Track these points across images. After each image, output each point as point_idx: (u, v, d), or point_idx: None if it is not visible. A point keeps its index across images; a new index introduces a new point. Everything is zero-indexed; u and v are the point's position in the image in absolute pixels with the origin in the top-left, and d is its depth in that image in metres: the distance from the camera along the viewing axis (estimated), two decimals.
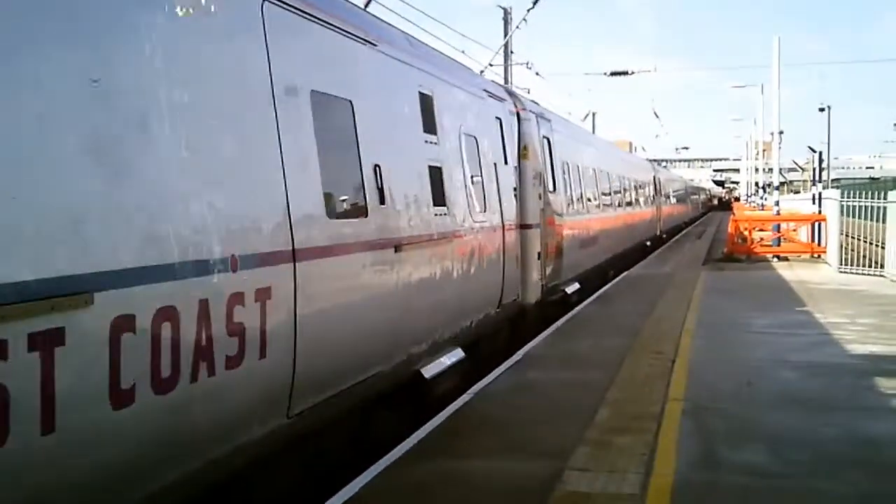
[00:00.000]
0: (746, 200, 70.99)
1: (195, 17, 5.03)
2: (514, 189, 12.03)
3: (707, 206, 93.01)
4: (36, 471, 3.76)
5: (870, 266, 20.30)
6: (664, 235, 36.30)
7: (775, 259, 24.42)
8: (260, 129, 5.55)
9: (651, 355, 10.28)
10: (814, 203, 27.29)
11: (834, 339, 11.27)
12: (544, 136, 14.15)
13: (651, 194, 33.21)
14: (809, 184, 38.91)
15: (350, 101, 6.90)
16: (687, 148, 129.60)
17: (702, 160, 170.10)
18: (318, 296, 6.02)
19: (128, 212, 4.31)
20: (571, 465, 6.22)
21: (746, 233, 26.54)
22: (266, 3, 5.74)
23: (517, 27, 25.73)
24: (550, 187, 14.12)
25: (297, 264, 5.67)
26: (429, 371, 8.40)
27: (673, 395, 8.26)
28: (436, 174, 8.72)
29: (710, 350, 10.67)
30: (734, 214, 37.63)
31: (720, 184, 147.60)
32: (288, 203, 5.66)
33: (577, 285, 15.81)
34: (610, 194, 22.08)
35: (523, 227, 12.31)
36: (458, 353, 9.23)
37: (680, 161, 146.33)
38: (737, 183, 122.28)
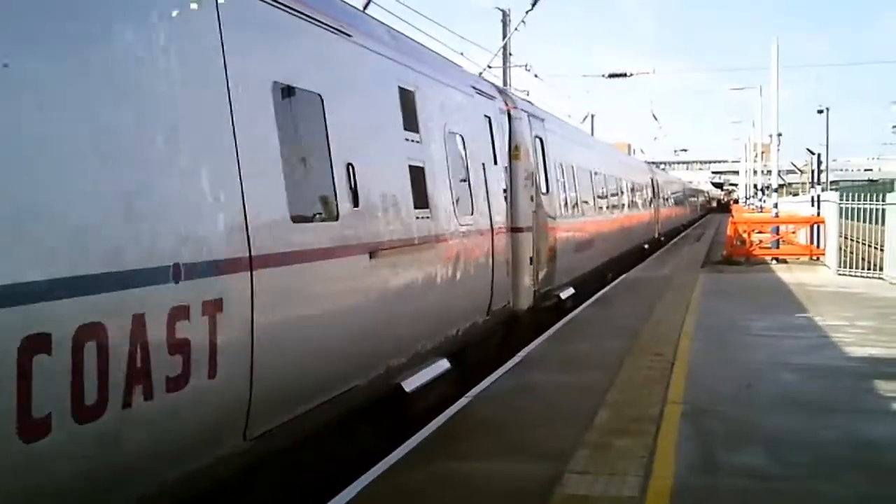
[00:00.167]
0: (745, 203, 71.05)
1: None
2: (504, 191, 11.61)
3: (706, 209, 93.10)
4: None
5: (868, 268, 20.30)
6: (662, 238, 36.24)
7: (774, 261, 24.44)
8: (210, 123, 5.04)
9: (650, 358, 10.27)
10: (812, 205, 27.32)
11: (833, 342, 11.27)
12: (536, 136, 13.73)
13: (649, 197, 33.01)
14: (808, 186, 38.92)
15: (320, 95, 6.41)
16: (686, 150, 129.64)
17: (700, 162, 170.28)
18: (281, 307, 5.54)
19: (36, 215, 3.78)
20: (571, 468, 6.21)
21: (745, 235, 26.57)
22: None
23: (516, 29, 25.74)
24: (543, 189, 13.72)
25: (254, 273, 5.19)
26: (410, 384, 7.95)
27: (672, 398, 8.25)
28: (417, 175, 8.27)
29: (709, 352, 10.67)
30: (733, 217, 37.67)
31: (719, 186, 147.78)
32: (244, 205, 5.18)
33: (571, 290, 15.47)
34: (606, 196, 21.65)
35: (514, 230, 11.94)
36: (442, 364, 8.81)
37: (678, 163, 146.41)
38: (735, 185, 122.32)
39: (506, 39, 27.46)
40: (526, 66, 30.92)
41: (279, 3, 5.95)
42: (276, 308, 5.45)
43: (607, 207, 21.58)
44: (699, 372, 9.47)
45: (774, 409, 7.91)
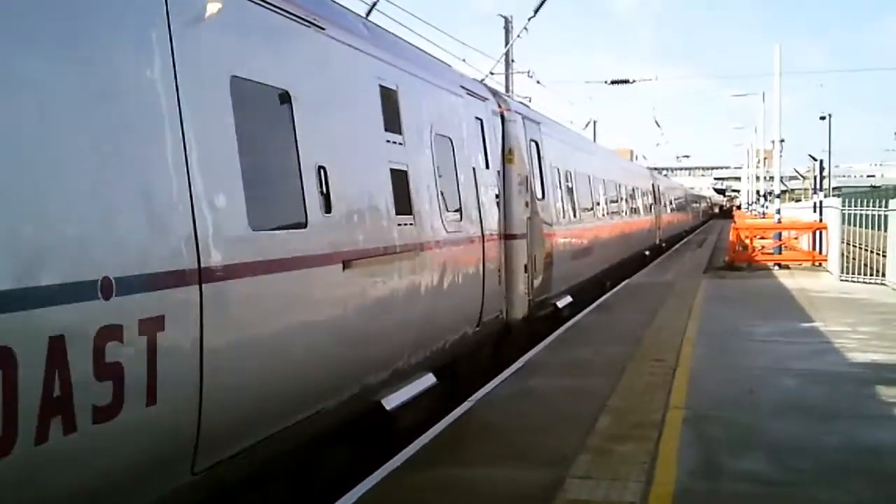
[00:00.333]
0: (748, 209, 71.01)
1: None
2: (497, 196, 11.17)
3: (708, 215, 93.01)
4: None
5: (871, 274, 20.29)
6: (663, 244, 36.10)
7: (776, 267, 24.41)
8: (150, 119, 4.53)
9: (652, 363, 10.26)
10: (815, 211, 27.30)
11: (835, 348, 11.25)
12: (532, 140, 13.29)
13: (650, 202, 32.80)
14: (810, 192, 38.92)
15: (287, 92, 5.92)
16: (688, 156, 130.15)
17: (703, 168, 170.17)
18: (237, 324, 5.08)
19: None
20: (573, 474, 6.20)
21: (747, 241, 26.55)
22: None
23: (518, 36, 25.77)
24: (539, 194, 13.30)
25: (204, 287, 4.69)
26: (391, 402, 7.50)
27: (674, 403, 8.24)
28: (400, 179, 7.77)
29: (712, 358, 10.66)
30: (735, 223, 37.64)
31: (721, 192, 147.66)
32: (193, 211, 4.68)
33: (569, 298, 15.10)
34: (605, 202, 21.19)
35: (508, 237, 11.51)
36: (428, 379, 8.39)
37: (681, 169, 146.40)
38: (738, 191, 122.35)
39: (508, 46, 27.50)
40: (528, 72, 30.97)
41: None
42: (231, 325, 5.01)
43: (607, 213, 21.16)
44: (701, 377, 9.46)
45: (776, 414, 7.90)
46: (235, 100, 5.25)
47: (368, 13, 14.75)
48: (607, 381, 9.26)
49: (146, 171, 4.47)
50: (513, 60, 28.79)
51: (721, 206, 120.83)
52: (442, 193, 8.92)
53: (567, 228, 15.52)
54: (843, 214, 21.93)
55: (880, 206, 20.13)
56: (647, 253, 30.03)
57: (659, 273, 24.41)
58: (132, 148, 4.37)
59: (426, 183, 8.52)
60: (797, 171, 77.95)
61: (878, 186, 72.88)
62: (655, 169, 53.18)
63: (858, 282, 20.01)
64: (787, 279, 21.22)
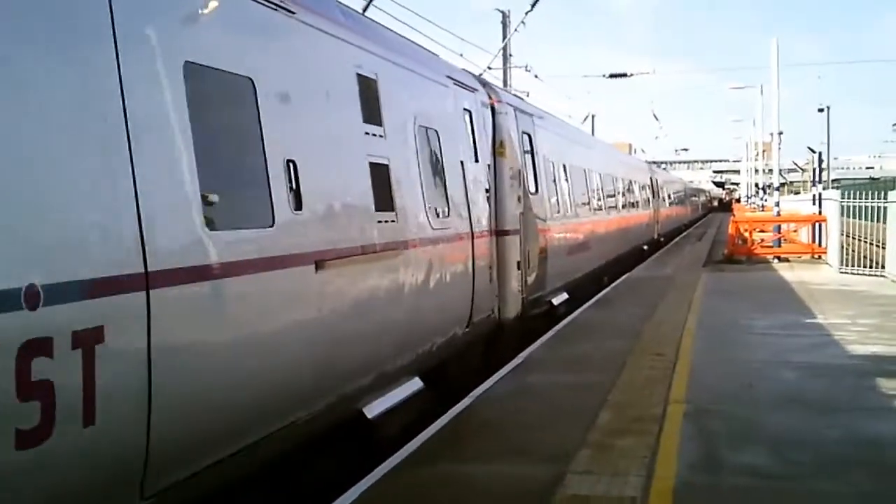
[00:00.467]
0: (747, 202, 71.03)
1: None
2: (487, 191, 10.75)
3: (707, 208, 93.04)
4: None
5: (870, 266, 20.29)
6: (662, 239, 35.98)
7: (776, 260, 24.42)
8: (84, 107, 4.12)
9: (652, 357, 10.26)
10: (814, 204, 27.30)
11: (835, 340, 11.26)
12: (524, 132, 12.88)
13: (648, 196, 32.66)
14: (809, 184, 38.90)
15: (251, 80, 5.48)
16: (687, 149, 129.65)
17: (701, 162, 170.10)
18: (191, 333, 4.69)
19: None
20: (573, 469, 6.20)
21: (747, 234, 26.55)
22: None
23: (515, 30, 25.78)
24: (532, 188, 12.91)
25: (152, 293, 4.29)
26: (374, 409, 7.14)
27: (674, 398, 8.25)
28: (380, 173, 7.37)
29: (712, 352, 10.66)
30: (734, 216, 37.64)
31: (720, 185, 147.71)
32: (139, 210, 4.27)
33: (565, 295, 14.78)
34: (602, 196, 20.84)
35: (500, 233, 11.13)
36: (414, 384, 8.04)
37: (680, 163, 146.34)
38: (737, 184, 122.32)
39: (506, 40, 27.49)
40: (526, 66, 30.97)
41: None
42: (185, 335, 4.61)
43: (603, 208, 20.84)
44: (701, 371, 9.46)
45: (777, 407, 7.90)
46: (190, 88, 4.82)
47: (365, 9, 14.73)
48: (607, 375, 9.26)
49: (80, 165, 4.04)
50: (510, 55, 28.82)
51: (720, 200, 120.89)
52: (427, 189, 8.51)
53: (562, 224, 15.16)
54: (842, 206, 21.93)
55: (879, 198, 20.13)
56: (645, 247, 29.87)
57: (658, 267, 24.41)
58: (63, 139, 3.96)
59: (409, 177, 8.13)
60: (796, 164, 77.88)
61: (877, 178, 72.84)
62: (654, 162, 53.16)
63: (858, 274, 20.02)
64: (787, 272, 21.22)
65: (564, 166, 16.04)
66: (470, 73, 12.08)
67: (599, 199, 20.39)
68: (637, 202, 29.09)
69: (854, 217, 22.15)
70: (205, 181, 4.84)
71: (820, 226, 24.60)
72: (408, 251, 7.79)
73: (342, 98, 6.98)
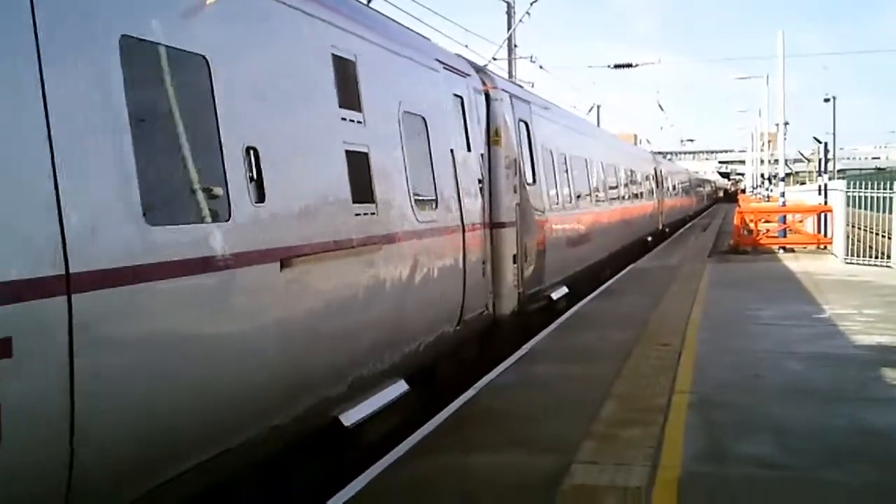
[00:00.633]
0: (752, 192, 70.89)
1: None
2: (480, 181, 10.23)
3: (712, 199, 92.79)
4: None
5: (876, 257, 20.24)
6: (666, 230, 35.79)
7: (781, 250, 24.39)
8: None
9: (657, 348, 10.26)
10: (819, 194, 27.23)
11: (840, 331, 11.24)
12: (521, 120, 12.35)
13: (651, 187, 32.26)
14: (815, 175, 38.80)
15: (205, 58, 4.98)
16: (692, 140, 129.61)
17: (707, 152, 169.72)
18: (126, 343, 4.19)
19: None
20: (578, 459, 6.21)
21: (752, 224, 26.52)
22: None
23: (520, 21, 25.69)
24: (529, 179, 12.37)
25: (74, 298, 3.81)
26: (351, 416, 6.61)
27: (679, 388, 8.25)
28: (359, 162, 6.86)
29: (717, 342, 10.65)
30: (740, 206, 37.57)
31: (726, 175, 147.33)
32: (59, 204, 3.80)
33: (565, 289, 14.28)
34: (604, 187, 20.21)
35: (495, 225, 10.68)
36: (398, 388, 7.53)
37: (685, 153, 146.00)
38: (742, 175, 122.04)
39: (511, 31, 27.41)
40: (531, 57, 30.83)
41: None
42: (118, 345, 4.13)
43: (605, 199, 20.28)
44: (706, 362, 9.46)
45: (782, 398, 7.90)
46: (127, 64, 4.32)
47: (369, 0, 14.68)
48: (612, 366, 9.26)
49: None
50: (516, 46, 28.70)
51: (726, 190, 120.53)
52: (413, 179, 7.98)
53: (561, 215, 14.67)
54: (848, 197, 21.87)
55: (885, 189, 20.07)
56: (649, 239, 29.56)
57: (664, 258, 24.38)
58: None
59: (392, 167, 7.62)
60: (801, 154, 77.75)
61: (883, 168, 72.66)
62: (659, 153, 53.03)
63: (863, 264, 19.97)
64: (792, 262, 21.18)
65: (564, 156, 15.59)
66: (463, 57, 11.47)
67: (601, 190, 19.87)
68: (640, 193, 28.60)
69: (860, 207, 22.10)
70: (145, 170, 4.37)
71: (825, 216, 24.54)
72: (390, 246, 7.28)
73: (314, 80, 6.43)
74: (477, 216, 9.96)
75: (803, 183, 61.92)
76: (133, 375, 4.24)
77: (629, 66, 36.90)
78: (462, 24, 39.98)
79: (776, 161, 35.71)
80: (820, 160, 30.41)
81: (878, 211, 20.92)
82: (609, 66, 37.25)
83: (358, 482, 5.89)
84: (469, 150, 9.98)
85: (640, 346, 10.46)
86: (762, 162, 63.33)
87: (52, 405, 3.78)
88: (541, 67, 31.76)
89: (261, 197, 5.37)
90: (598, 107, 51.67)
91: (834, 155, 52.72)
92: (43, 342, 3.73)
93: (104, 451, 4.05)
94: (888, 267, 19.11)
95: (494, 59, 24.39)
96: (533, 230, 12.16)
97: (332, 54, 6.67)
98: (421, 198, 8.19)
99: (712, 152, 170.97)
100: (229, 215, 5.05)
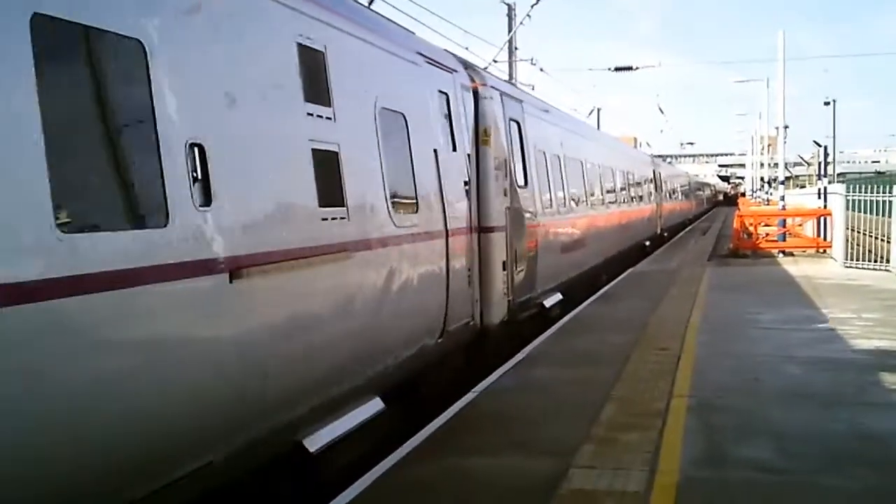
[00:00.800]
0: (752, 195, 70.93)
1: None
2: (466, 183, 9.69)
3: (712, 202, 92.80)
4: None
5: (875, 261, 20.25)
6: (665, 234, 35.53)
7: (781, 254, 24.40)
8: None
9: (656, 352, 10.26)
10: (819, 197, 27.24)
11: (839, 335, 11.24)
12: (512, 119, 11.80)
13: (650, 190, 31.96)
14: (815, 178, 38.83)
15: (140, 42, 4.44)
16: (692, 143, 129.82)
17: (707, 155, 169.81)
18: (28, 372, 3.67)
19: None
20: (577, 463, 6.22)
21: (752, 228, 26.54)
22: None
23: (521, 23, 25.74)
24: (521, 181, 11.87)
25: None
26: (316, 441, 6.05)
27: (678, 392, 8.25)
28: (327, 162, 6.31)
29: (716, 346, 10.65)
30: (739, 210, 37.57)
31: (725, 179, 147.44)
32: None
33: (558, 296, 13.81)
34: (600, 190, 19.70)
35: (483, 230, 10.14)
36: (372, 406, 6.99)
37: (685, 156, 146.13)
38: (742, 178, 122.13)
39: (511, 33, 27.45)
40: (532, 60, 30.86)
41: None
42: (19, 376, 3.62)
43: (601, 202, 19.78)
44: (705, 365, 9.46)
45: (781, 402, 7.90)
46: (40, 48, 3.81)
47: (371, 2, 14.70)
48: (611, 369, 9.26)
49: None
50: (516, 48, 28.75)
51: (725, 194, 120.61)
52: (390, 181, 7.46)
53: (555, 219, 14.13)
54: (848, 200, 21.88)
55: (885, 192, 20.08)
56: (647, 243, 29.10)
57: (663, 261, 24.39)
58: None
59: (366, 168, 7.08)
60: (801, 158, 77.84)
61: (883, 172, 72.77)
62: (659, 156, 53.04)
63: (863, 268, 19.97)
64: (792, 266, 21.19)
65: (559, 158, 15.06)
66: (450, 52, 10.85)
67: (597, 193, 19.39)
68: (639, 196, 28.24)
69: (859, 211, 22.11)
70: (58, 169, 3.82)
71: (825, 220, 24.56)
72: (362, 253, 6.74)
73: (275, 71, 5.87)
74: (462, 220, 9.47)
75: (803, 186, 61.91)
76: (45, 408, 3.73)
77: (629, 68, 36.91)
78: (462, 27, 40.04)
79: (776, 164, 35.74)
80: (820, 164, 30.42)
81: (877, 215, 20.93)
82: (609, 69, 37.28)
83: (358, 485, 5.90)
84: (454, 150, 9.47)
85: (639, 349, 10.46)
86: (762, 165, 63.40)
87: None
88: (541, 70, 31.82)
89: (207, 200, 4.84)
90: (599, 109, 51.81)
91: (834, 158, 52.79)
92: None
93: (12, 487, 3.62)
94: (887, 271, 19.11)
95: (495, 61, 24.46)
96: (524, 235, 11.70)
97: (298, 43, 6.12)
98: (399, 201, 7.70)
99: (712, 155, 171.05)
100: (167, 220, 4.51)
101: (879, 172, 75.38)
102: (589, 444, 6.65)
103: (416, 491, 5.87)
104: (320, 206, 6.13)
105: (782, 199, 29.60)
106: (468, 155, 9.93)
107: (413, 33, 9.57)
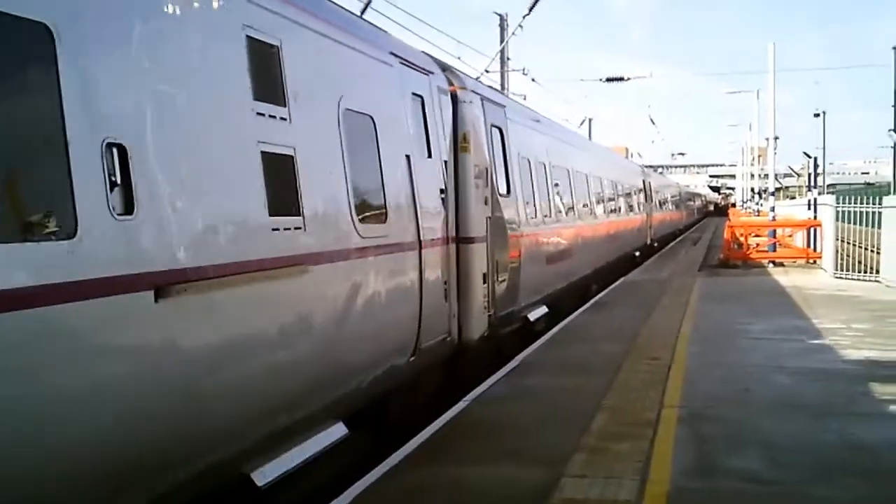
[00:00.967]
0: (742, 206, 71.22)
1: None
2: (443, 191, 9.13)
3: (703, 212, 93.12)
4: None
5: (865, 271, 20.34)
6: (655, 244, 35.40)
7: (771, 265, 24.50)
8: None
9: (647, 362, 10.28)
10: (809, 209, 27.38)
11: (829, 345, 11.28)
12: (494, 125, 11.25)
13: (640, 200, 31.70)
14: (805, 189, 39.03)
15: (47, 27, 3.91)
16: (683, 154, 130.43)
17: (698, 166, 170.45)
18: None
19: None
20: (568, 472, 6.21)
21: (742, 238, 26.64)
22: None
23: (513, 33, 25.83)
24: (503, 190, 11.34)
25: None
26: (266, 474, 5.50)
27: (669, 402, 8.26)
28: (280, 166, 5.76)
29: (706, 356, 10.68)
30: (730, 220, 37.71)
31: (716, 189, 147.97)
32: None
33: (544, 309, 13.37)
34: (588, 199, 19.14)
35: (462, 240, 9.59)
36: (334, 432, 6.48)
37: (676, 167, 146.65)
38: (733, 189, 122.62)
39: (503, 43, 27.55)
40: (524, 70, 30.96)
41: None
42: None
43: (589, 212, 19.18)
44: (696, 375, 9.48)
45: (771, 412, 7.92)
46: None
47: (363, 11, 14.74)
48: (602, 379, 9.27)
49: None
50: (508, 58, 28.86)
51: (716, 204, 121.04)
52: (355, 188, 6.93)
53: (540, 229, 13.58)
54: (838, 212, 21.99)
55: (874, 203, 20.19)
56: (637, 254, 28.71)
57: (654, 271, 24.45)
58: None
59: (327, 173, 6.54)
60: (791, 169, 78.18)
61: (873, 183, 73.16)
62: (650, 167, 53.22)
63: (853, 279, 20.05)
64: (782, 277, 21.28)
65: (544, 166, 14.48)
66: (427, 54, 10.25)
67: (585, 203, 18.81)
68: (629, 206, 27.89)
69: (849, 222, 22.22)
70: None
71: (815, 230, 24.68)
72: (321, 266, 6.19)
73: (216, 65, 5.27)
74: (438, 231, 8.90)
75: (793, 197, 62.22)
76: None
77: (621, 79, 37.09)
78: (455, 36, 40.08)
79: (766, 175, 35.91)
80: (810, 175, 30.59)
81: (866, 225, 21.05)
82: (601, 80, 37.44)
83: (349, 493, 5.88)
84: (430, 156, 8.91)
85: (631, 359, 10.47)
86: (752, 176, 63.67)
87: None
88: (533, 80, 31.96)
89: (128, 207, 4.29)
90: (590, 120, 52.00)
91: (824, 170, 53.09)
92: None
93: None
94: (877, 282, 19.20)
95: (487, 71, 24.51)
96: (507, 245, 11.22)
97: (246, 35, 5.55)
98: (366, 210, 7.18)
99: (703, 166, 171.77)
100: (75, 231, 3.95)
101: (869, 184, 75.78)
102: (580, 454, 6.65)
103: (408, 498, 5.86)
104: (271, 214, 5.58)
105: (772, 209, 29.73)
106: (445, 162, 9.38)
107: (387, 32, 9.03)
